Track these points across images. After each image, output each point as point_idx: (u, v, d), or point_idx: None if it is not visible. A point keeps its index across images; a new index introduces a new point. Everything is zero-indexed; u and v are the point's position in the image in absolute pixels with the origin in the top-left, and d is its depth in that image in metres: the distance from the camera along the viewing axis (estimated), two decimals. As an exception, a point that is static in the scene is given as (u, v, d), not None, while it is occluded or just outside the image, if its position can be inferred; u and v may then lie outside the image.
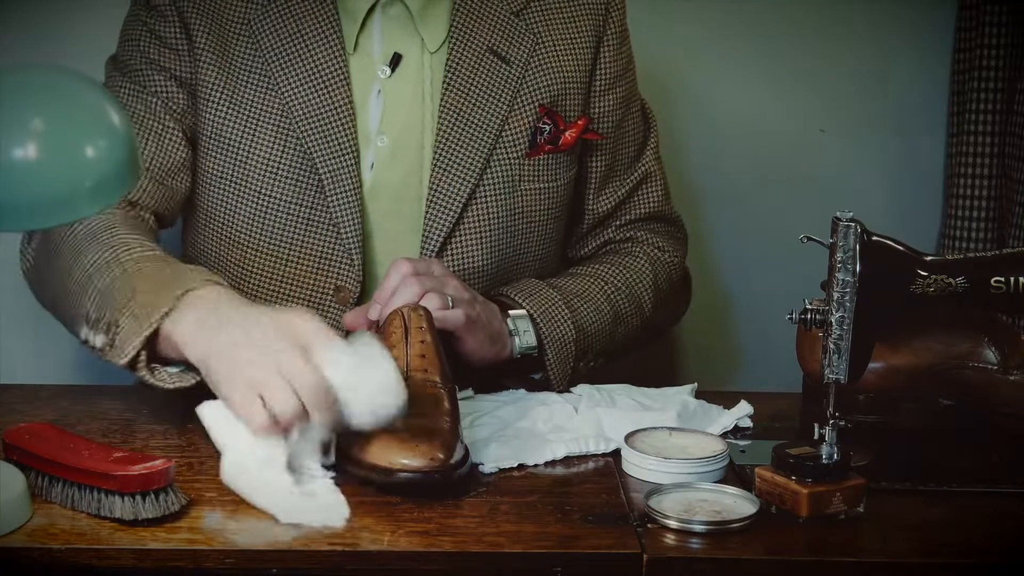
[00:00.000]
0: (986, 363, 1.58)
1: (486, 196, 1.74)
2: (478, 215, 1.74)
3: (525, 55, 1.75)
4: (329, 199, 1.71)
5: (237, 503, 1.38)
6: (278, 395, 1.35)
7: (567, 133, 1.76)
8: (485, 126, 1.73)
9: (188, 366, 1.47)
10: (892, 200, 2.25)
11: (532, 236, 1.78)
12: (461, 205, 1.72)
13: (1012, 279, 1.44)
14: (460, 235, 1.73)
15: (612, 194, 1.86)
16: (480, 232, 1.74)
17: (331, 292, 1.74)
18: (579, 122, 1.77)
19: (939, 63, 2.22)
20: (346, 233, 1.72)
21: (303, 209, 1.72)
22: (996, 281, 1.44)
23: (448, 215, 1.72)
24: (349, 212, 1.71)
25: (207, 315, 1.44)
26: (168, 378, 1.48)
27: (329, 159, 1.71)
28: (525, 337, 1.67)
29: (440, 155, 1.72)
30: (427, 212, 1.72)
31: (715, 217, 2.23)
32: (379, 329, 1.55)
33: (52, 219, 1.27)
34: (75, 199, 1.26)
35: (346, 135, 1.71)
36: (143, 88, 1.74)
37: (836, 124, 2.25)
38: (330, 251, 1.73)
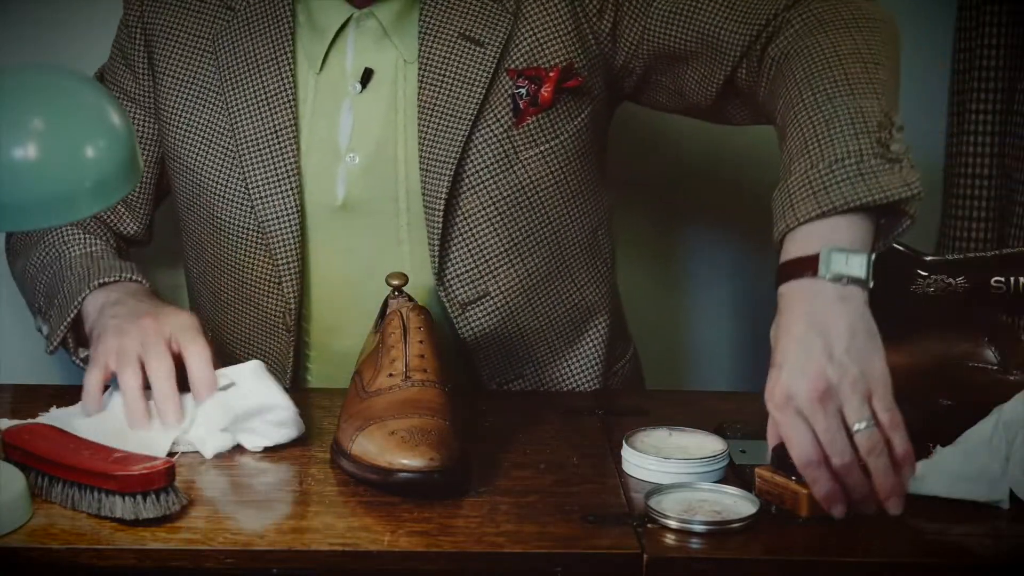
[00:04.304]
0: (986, 363, 1.58)
1: (479, 180, 1.67)
2: (475, 201, 1.68)
3: (503, 36, 1.67)
4: (262, 225, 1.69)
5: (237, 503, 1.38)
6: (127, 371, 1.51)
7: (543, 90, 1.67)
8: (460, 113, 1.66)
9: None
10: (892, 200, 2.25)
11: (555, 198, 1.72)
12: (445, 196, 1.66)
13: (1012, 279, 1.44)
14: (461, 225, 1.67)
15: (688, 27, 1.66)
16: (485, 217, 1.68)
17: (280, 317, 1.73)
18: (551, 74, 1.68)
19: (939, 63, 2.22)
20: (281, 260, 1.70)
21: (249, 233, 1.71)
22: (996, 281, 1.44)
23: (438, 208, 1.66)
24: (283, 240, 1.69)
25: (108, 301, 1.60)
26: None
27: (262, 185, 1.69)
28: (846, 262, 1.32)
29: (424, 153, 1.66)
30: (425, 208, 1.67)
31: (715, 217, 2.23)
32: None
33: (52, 219, 1.28)
34: (75, 199, 1.26)
35: (283, 160, 1.68)
36: None
37: (836, 124, 2.24)
38: (275, 277, 1.71)
